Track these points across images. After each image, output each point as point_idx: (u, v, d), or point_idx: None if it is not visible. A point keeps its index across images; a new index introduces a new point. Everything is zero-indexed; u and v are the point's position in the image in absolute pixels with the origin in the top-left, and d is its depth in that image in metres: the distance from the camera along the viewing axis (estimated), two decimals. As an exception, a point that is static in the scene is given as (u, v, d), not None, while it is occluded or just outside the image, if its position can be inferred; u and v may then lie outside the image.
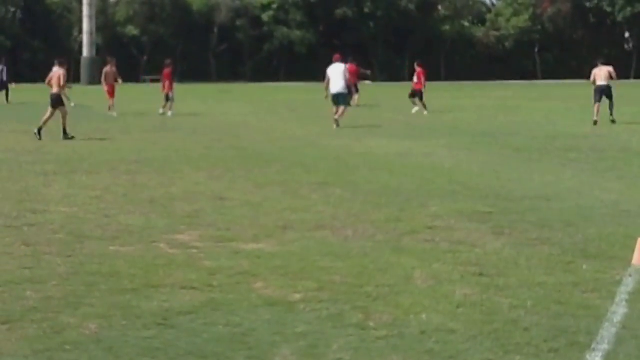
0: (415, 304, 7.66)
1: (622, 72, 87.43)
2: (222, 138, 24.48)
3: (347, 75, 29.81)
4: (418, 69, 37.90)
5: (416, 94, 37.14)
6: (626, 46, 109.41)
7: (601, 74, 31.12)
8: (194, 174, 16.54)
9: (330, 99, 28.89)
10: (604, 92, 30.66)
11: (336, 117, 27.95)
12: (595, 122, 28.97)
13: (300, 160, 18.88)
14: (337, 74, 28.74)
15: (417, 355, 6.41)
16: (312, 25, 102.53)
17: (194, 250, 9.81)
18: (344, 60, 31.05)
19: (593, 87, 31.12)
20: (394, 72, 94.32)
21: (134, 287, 8.19)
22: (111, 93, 36.58)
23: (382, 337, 6.78)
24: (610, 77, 31.09)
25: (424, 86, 37.13)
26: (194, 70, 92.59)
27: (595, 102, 30.21)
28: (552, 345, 6.61)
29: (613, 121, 29.41)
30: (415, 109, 36.59)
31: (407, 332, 6.91)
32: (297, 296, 7.89)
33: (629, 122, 29.70)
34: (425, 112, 35.35)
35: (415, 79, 38.08)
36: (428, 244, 10.19)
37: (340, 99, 28.55)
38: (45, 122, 24.34)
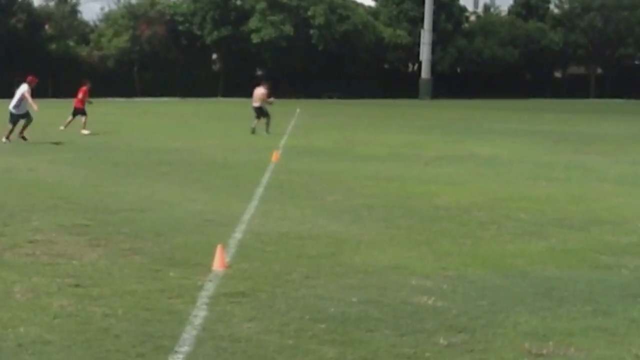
0: (14, 317, 7.42)
1: (210, 91, 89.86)
2: None
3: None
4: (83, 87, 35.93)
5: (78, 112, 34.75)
6: (214, 67, 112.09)
7: (256, 95, 33.87)
8: None
9: None
10: (257, 111, 33.56)
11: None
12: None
13: None
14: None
15: (13, 369, 6.22)
16: None
17: None
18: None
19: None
20: (3, 91, 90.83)
21: None
22: None
23: (-20, 354, 6.51)
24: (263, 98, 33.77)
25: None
26: None
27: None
28: (140, 350, 6.64)
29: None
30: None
31: (4, 346, 6.68)
32: None
33: (218, 138, 30.49)
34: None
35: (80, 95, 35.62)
36: (29, 257, 9.90)
37: None
38: None
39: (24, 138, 27.28)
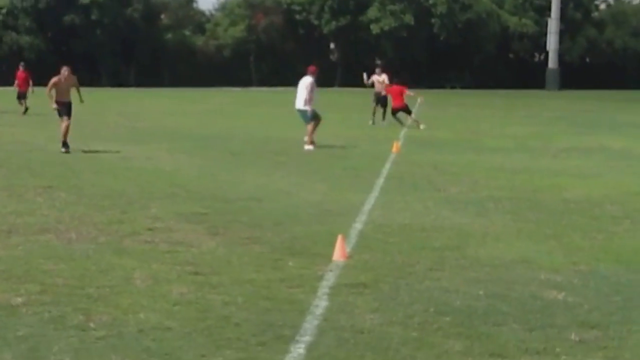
0: (134, 303, 7.58)
1: (328, 82, 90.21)
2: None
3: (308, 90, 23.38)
4: (395, 87, 33.28)
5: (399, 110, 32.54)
6: (331, 57, 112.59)
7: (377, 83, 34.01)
8: None
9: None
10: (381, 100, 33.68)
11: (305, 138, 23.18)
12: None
13: (27, 164, 18.26)
14: (299, 88, 23.68)
15: (134, 354, 6.35)
16: (40, 31, 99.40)
17: None
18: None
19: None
20: (122, 79, 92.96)
21: None
22: None
23: (102, 338, 6.67)
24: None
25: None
26: None
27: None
28: (260, 339, 6.71)
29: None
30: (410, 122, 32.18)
31: (125, 332, 6.83)
32: (19, 299, 7.62)
33: (335, 128, 30.60)
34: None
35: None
36: (148, 244, 10.12)
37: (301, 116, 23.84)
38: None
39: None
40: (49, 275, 8.52)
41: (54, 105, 21.33)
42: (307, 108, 23.21)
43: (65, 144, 20.94)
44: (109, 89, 75.19)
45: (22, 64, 40.70)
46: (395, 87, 33.14)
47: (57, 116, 21.55)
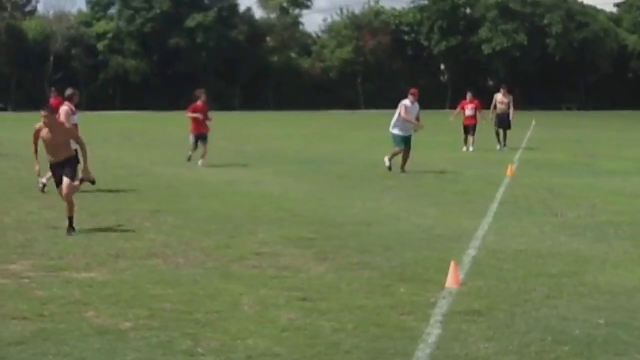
0: (242, 329, 7.66)
1: (438, 102, 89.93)
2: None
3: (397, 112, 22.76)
4: (475, 101, 32.62)
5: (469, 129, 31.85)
6: (441, 77, 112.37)
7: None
8: (27, 203, 16.12)
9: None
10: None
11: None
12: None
13: (133, 188, 18.64)
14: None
15: (243, 380, 6.42)
16: (145, 54, 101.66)
17: (26, 280, 9.55)
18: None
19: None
20: (225, 101, 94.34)
21: (-35, 318, 7.92)
22: None
23: (210, 363, 6.76)
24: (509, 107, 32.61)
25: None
26: (29, 98, 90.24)
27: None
28: (371, 366, 6.71)
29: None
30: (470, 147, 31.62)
31: (233, 358, 6.90)
32: (128, 324, 7.78)
33: (445, 150, 30.49)
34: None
35: (468, 112, 32.22)
36: (255, 269, 10.22)
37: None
38: None
39: (404, 171, 22.48)
40: (156, 300, 8.67)
41: None
42: (392, 131, 22.82)
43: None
44: (214, 113, 76.26)
45: (52, 89, 34.27)
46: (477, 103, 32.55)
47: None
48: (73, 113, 18.21)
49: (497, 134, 32.42)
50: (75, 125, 18.34)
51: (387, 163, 22.47)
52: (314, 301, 8.67)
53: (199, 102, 25.18)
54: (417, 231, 13.05)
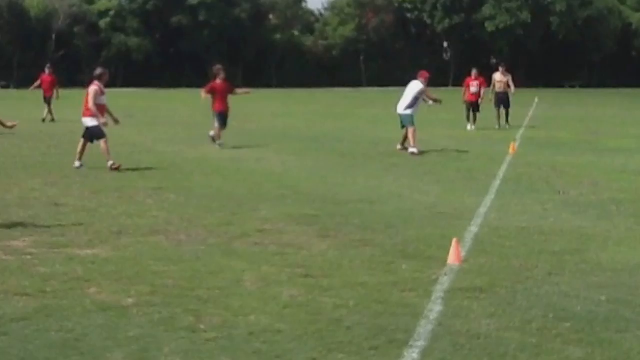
0: (244, 305, 7.68)
1: (441, 80, 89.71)
2: (58, 144, 23.95)
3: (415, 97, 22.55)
4: (480, 78, 32.60)
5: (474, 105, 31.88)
6: (444, 56, 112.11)
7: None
8: (29, 180, 16.13)
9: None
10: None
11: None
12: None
13: (136, 165, 18.65)
14: (407, 92, 22.76)
15: (245, 356, 6.43)
16: (148, 32, 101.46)
17: (28, 257, 9.56)
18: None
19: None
20: (228, 79, 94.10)
21: (-32, 294, 7.95)
22: None
23: (212, 339, 6.77)
24: (508, 86, 32.44)
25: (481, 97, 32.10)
26: (31, 77, 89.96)
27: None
28: (373, 343, 6.71)
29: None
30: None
31: (235, 334, 6.92)
32: (130, 300, 7.80)
33: (448, 128, 30.47)
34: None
35: (473, 88, 32.10)
36: (258, 247, 10.23)
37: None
38: None
39: (405, 149, 22.21)
40: (159, 276, 8.69)
41: None
42: (409, 112, 22.36)
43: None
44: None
45: (47, 66, 37.12)
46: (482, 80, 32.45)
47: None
48: (102, 93, 18.19)
49: (498, 113, 32.28)
50: (103, 106, 18.34)
51: (416, 151, 21.56)
52: (316, 278, 8.68)
53: (217, 81, 23.92)
54: (420, 208, 13.05)
